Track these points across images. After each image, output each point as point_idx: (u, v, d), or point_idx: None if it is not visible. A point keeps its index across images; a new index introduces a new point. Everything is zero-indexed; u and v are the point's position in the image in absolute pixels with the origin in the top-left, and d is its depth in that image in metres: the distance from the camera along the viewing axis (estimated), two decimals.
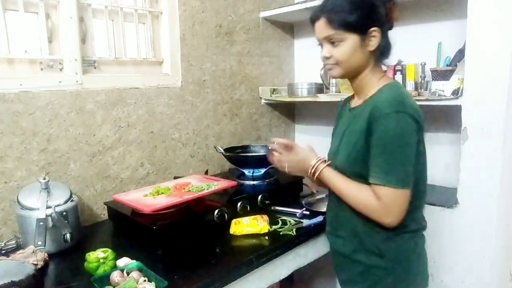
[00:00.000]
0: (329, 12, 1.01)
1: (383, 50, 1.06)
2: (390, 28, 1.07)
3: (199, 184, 1.52)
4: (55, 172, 1.45)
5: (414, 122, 0.96)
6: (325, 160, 1.14)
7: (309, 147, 1.19)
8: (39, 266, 1.10)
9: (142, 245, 1.29)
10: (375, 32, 1.01)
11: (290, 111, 2.48)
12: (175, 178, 1.70)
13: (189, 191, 1.45)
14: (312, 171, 1.12)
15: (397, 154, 0.95)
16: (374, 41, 1.02)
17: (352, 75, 1.09)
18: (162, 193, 1.43)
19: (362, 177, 1.03)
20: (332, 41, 1.03)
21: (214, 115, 2.01)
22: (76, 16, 1.48)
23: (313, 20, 1.06)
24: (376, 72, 1.08)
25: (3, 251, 1.27)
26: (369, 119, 1.00)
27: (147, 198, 1.39)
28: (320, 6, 1.04)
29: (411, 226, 1.06)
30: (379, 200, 0.97)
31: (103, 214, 1.58)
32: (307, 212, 1.53)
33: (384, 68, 1.13)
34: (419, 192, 1.06)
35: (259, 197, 1.59)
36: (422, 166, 1.05)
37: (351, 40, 1.01)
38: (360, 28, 1.00)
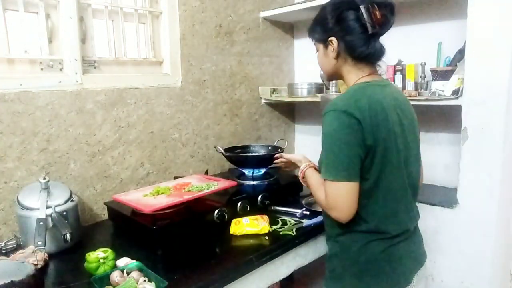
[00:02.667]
0: (309, 29, 1.20)
1: (355, 55, 1.10)
2: (374, 32, 1.06)
3: (199, 184, 1.52)
4: (55, 172, 1.45)
5: (350, 119, 0.99)
6: (313, 166, 1.25)
7: (303, 155, 1.36)
8: (39, 266, 1.10)
9: (142, 245, 1.29)
10: (332, 41, 1.11)
11: (290, 111, 2.48)
12: (175, 178, 1.70)
13: (189, 191, 1.45)
14: (300, 174, 1.26)
15: (330, 149, 1.03)
16: (330, 49, 1.13)
17: (335, 78, 1.23)
18: (162, 193, 1.43)
19: None
20: (317, 50, 1.20)
21: (214, 115, 2.01)
22: (76, 16, 1.48)
23: None
24: (353, 75, 1.14)
25: (3, 251, 1.27)
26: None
27: (147, 198, 1.39)
28: None
29: (362, 227, 1.07)
30: (326, 194, 1.05)
31: (103, 214, 1.58)
32: (307, 212, 1.53)
33: (385, 71, 1.16)
34: (382, 196, 1.06)
35: (259, 197, 1.59)
36: (381, 167, 1.03)
37: (320, 49, 1.18)
38: (320, 39, 1.16)
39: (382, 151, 1.03)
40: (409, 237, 1.14)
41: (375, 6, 1.04)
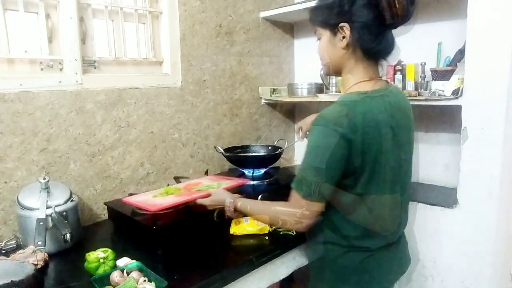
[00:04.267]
0: (310, 10, 1.08)
1: (368, 48, 1.00)
2: (390, 24, 0.97)
3: (209, 183, 1.50)
4: (55, 172, 1.45)
5: (340, 140, 0.92)
6: (238, 196, 1.21)
7: (222, 190, 1.30)
8: (39, 266, 1.10)
9: (142, 245, 1.29)
10: (344, 28, 0.99)
11: (290, 111, 2.48)
12: (175, 178, 1.70)
13: (199, 190, 1.43)
14: (231, 207, 1.19)
15: (309, 166, 0.97)
16: (340, 37, 1.01)
17: (335, 73, 1.11)
18: (172, 193, 1.41)
19: None
20: (318, 38, 1.08)
21: (214, 115, 2.01)
22: (76, 16, 1.48)
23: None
24: (355, 74, 1.04)
25: (3, 251, 1.27)
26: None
27: (156, 199, 1.37)
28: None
29: (341, 241, 1.06)
30: (293, 204, 1.01)
31: (103, 214, 1.58)
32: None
33: (385, 72, 1.11)
34: (361, 209, 1.02)
35: (259, 197, 1.58)
36: (366, 185, 0.99)
37: (325, 36, 1.05)
38: (327, 23, 1.03)
39: (369, 172, 0.98)
40: (391, 247, 1.11)
41: None
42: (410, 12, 0.97)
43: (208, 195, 1.29)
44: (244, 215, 1.21)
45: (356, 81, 1.04)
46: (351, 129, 0.93)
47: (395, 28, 1.01)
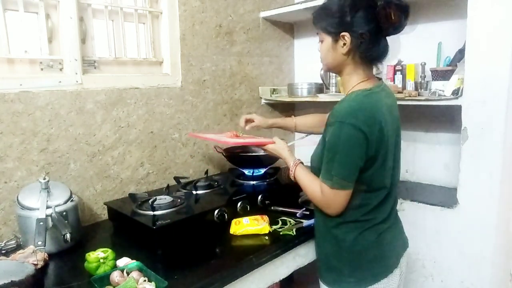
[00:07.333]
0: (314, 14, 1.16)
1: (366, 54, 1.10)
2: (386, 33, 1.09)
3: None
4: (55, 172, 1.45)
5: (358, 133, 1.02)
6: (300, 162, 1.26)
7: (283, 146, 1.35)
8: (39, 266, 1.10)
9: (142, 245, 1.29)
10: (345, 37, 1.08)
11: (290, 111, 2.48)
12: (175, 178, 1.70)
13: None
14: (291, 173, 1.25)
15: (334, 158, 1.06)
16: (341, 44, 1.10)
17: (335, 72, 1.23)
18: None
19: (318, 168, 1.15)
20: (320, 40, 1.17)
21: (214, 115, 2.01)
22: (76, 16, 1.48)
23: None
24: (355, 75, 1.14)
25: (3, 251, 1.27)
26: (326, 123, 1.12)
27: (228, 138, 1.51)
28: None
29: (359, 218, 1.14)
30: (322, 194, 1.11)
31: (103, 214, 1.58)
32: (307, 212, 1.52)
33: (380, 71, 1.17)
34: (373, 192, 1.14)
35: (259, 197, 1.58)
36: (377, 171, 1.11)
37: (327, 41, 1.13)
38: (330, 32, 1.11)
39: (380, 159, 1.09)
40: (393, 223, 1.23)
41: (393, 6, 1.03)
42: (403, 24, 1.08)
43: (273, 142, 1.37)
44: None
45: (358, 81, 1.14)
46: (366, 123, 1.03)
47: (389, 36, 1.11)
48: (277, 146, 1.35)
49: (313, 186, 1.15)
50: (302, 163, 1.26)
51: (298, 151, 2.47)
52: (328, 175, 1.08)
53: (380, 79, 1.23)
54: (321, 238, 1.25)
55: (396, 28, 1.07)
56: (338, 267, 1.18)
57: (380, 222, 1.17)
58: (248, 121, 1.59)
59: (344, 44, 1.09)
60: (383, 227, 1.17)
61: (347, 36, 1.08)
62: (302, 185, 1.21)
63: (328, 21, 1.11)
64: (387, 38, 1.12)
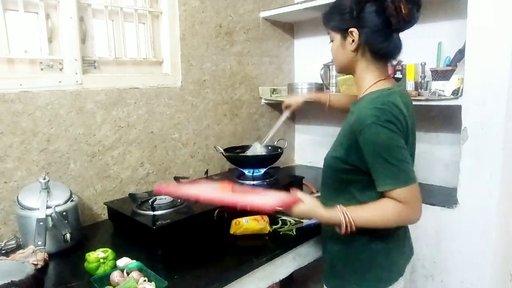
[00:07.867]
0: (323, 14, 1.15)
1: (376, 50, 1.07)
2: (397, 27, 1.04)
3: None
4: (55, 172, 1.45)
5: (394, 127, 0.99)
6: (339, 205, 1.06)
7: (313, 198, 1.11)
8: (39, 266, 1.10)
9: (142, 245, 1.29)
10: (353, 33, 1.06)
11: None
12: (175, 178, 1.70)
13: None
14: (345, 229, 1.04)
15: (390, 158, 0.99)
16: (349, 40, 1.08)
17: (347, 72, 1.18)
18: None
19: (338, 170, 1.10)
20: (331, 40, 1.15)
21: (214, 115, 2.01)
22: (76, 16, 1.48)
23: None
24: (369, 74, 1.10)
25: (3, 251, 1.27)
26: (352, 127, 1.03)
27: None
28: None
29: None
30: (403, 202, 0.99)
31: (103, 214, 1.58)
32: None
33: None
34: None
35: None
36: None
37: (336, 39, 1.12)
38: (338, 28, 1.10)
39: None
40: (403, 230, 1.18)
41: None
42: (415, 17, 1.04)
43: (295, 201, 1.08)
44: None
45: (374, 80, 1.10)
46: (396, 118, 0.99)
47: (401, 31, 1.07)
48: (307, 206, 1.07)
49: (382, 210, 1.01)
50: (340, 205, 1.05)
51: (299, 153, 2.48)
52: (395, 179, 0.98)
53: (399, 79, 1.17)
54: (328, 238, 1.21)
55: (409, 22, 1.03)
56: (342, 272, 1.16)
57: (391, 228, 1.10)
58: (287, 107, 1.60)
59: (353, 40, 1.06)
60: (393, 234, 1.12)
61: (355, 32, 1.05)
62: (371, 222, 1.03)
63: (336, 19, 1.10)
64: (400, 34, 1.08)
